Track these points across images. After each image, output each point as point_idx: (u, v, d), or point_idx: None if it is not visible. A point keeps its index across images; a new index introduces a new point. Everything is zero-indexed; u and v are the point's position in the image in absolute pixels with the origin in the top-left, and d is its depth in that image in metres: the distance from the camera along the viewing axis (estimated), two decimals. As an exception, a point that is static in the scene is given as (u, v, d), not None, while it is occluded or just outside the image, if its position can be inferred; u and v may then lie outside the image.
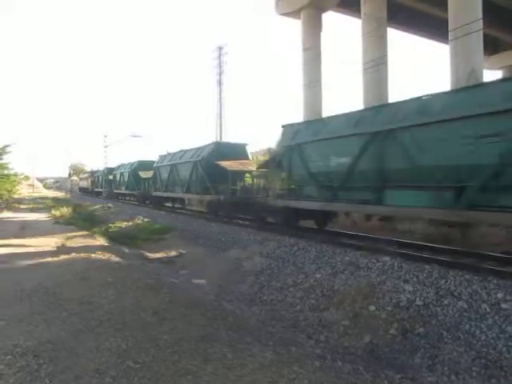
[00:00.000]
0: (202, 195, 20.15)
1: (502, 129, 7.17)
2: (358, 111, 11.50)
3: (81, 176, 70.51)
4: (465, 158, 7.84)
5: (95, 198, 45.58)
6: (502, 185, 7.31)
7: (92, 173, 58.69)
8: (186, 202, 25.11)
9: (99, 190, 49.60)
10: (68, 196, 56.06)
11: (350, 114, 11.27)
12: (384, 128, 9.52)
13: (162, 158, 26.93)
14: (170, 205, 26.70)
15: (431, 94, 9.16)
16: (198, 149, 21.44)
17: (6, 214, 24.56)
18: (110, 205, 30.69)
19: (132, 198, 35.67)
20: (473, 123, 7.68)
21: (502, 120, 7.16)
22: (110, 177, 42.96)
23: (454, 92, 9.66)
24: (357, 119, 10.68)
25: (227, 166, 18.07)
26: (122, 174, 38.02)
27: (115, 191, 40.53)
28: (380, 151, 9.69)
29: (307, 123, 14.25)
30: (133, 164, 34.65)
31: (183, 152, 23.43)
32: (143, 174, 30.65)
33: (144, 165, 31.95)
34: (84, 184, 61.54)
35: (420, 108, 8.92)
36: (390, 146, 9.43)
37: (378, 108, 10.81)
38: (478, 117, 7.55)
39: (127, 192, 36.31)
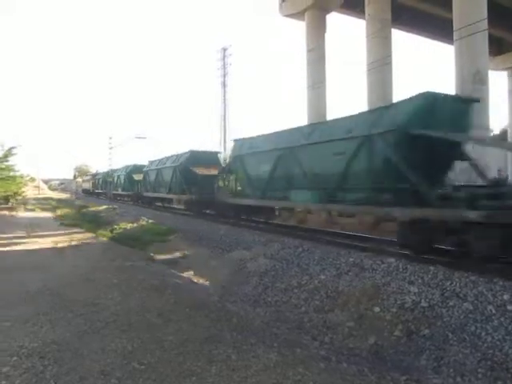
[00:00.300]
0: (180, 195, 23.28)
1: (343, 150, 10.55)
2: (280, 131, 14.40)
3: (83, 178, 73.26)
4: (327, 168, 11.30)
5: (97, 199, 46.86)
6: (345, 187, 10.87)
7: (93, 175, 61.75)
8: (174, 201, 26.58)
9: (100, 191, 51.78)
10: (73, 197, 56.86)
11: (274, 134, 14.69)
12: (288, 145, 12.97)
13: (151, 163, 29.98)
14: (160, 204, 29.24)
15: (314, 123, 13.90)
16: (178, 156, 24.22)
17: (12, 214, 24.67)
18: (114, 206, 30.96)
19: (127, 198, 37.95)
20: (330, 145, 11.11)
21: (343, 144, 10.59)
22: (109, 179, 44.81)
23: (325, 122, 14.53)
24: (276, 137, 14.15)
25: (198, 171, 21.45)
26: (119, 176, 40.93)
27: (113, 192, 42.26)
28: (287, 162, 13.08)
29: (249, 139, 16.53)
30: (128, 167, 37.75)
31: (166, 158, 26.30)
32: (136, 177, 34.00)
33: (138, 168, 34.65)
34: (86, 186, 63.92)
35: (309, 132, 12.46)
36: (292, 159, 12.75)
37: (290, 130, 13.83)
38: (332, 141, 11.09)
39: (124, 193, 38.72)
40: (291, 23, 30.58)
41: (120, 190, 40.11)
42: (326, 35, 27.11)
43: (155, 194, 28.32)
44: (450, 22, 18.50)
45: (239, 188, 17.18)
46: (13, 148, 29.72)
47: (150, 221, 19.44)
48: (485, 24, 16.46)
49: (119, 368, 4.29)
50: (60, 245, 12.68)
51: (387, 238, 10.60)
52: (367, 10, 22.62)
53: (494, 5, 20.37)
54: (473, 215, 7.11)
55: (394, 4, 23.28)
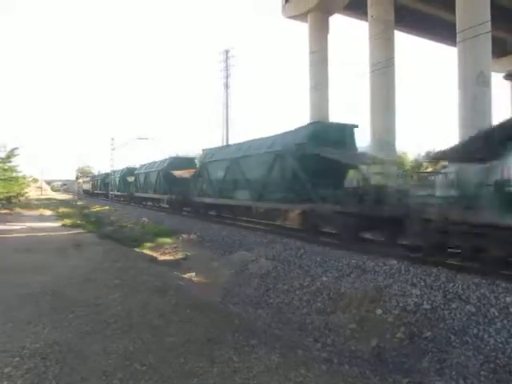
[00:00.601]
0: (163, 195, 26.88)
1: (265, 160, 14.42)
2: (230, 145, 20.74)
3: (84, 180, 75.81)
4: (256, 174, 15.08)
5: (97, 200, 48.98)
6: (267, 190, 14.57)
7: (93, 177, 66.37)
8: (165, 201, 27.85)
9: (98, 191, 54.79)
10: (75, 198, 58.23)
11: (226, 146, 21.13)
12: (235, 156, 16.88)
13: (141, 166, 34.50)
14: (150, 203, 32.29)
15: (251, 140, 17.27)
16: (162, 161, 28.40)
17: (13, 218, 24.72)
18: (115, 207, 31.27)
19: (122, 199, 40.65)
20: (258, 157, 15.04)
21: (265, 156, 14.59)
22: (107, 180, 47.82)
23: (256, 140, 16.63)
24: (228, 149, 19.18)
25: (176, 174, 24.76)
26: (114, 178, 44.02)
27: (110, 193, 44.44)
28: (233, 169, 16.80)
29: (214, 149, 21.28)
30: (123, 170, 40.69)
31: (154, 163, 30.46)
32: (129, 179, 37.17)
33: (130, 171, 38.03)
34: (87, 187, 66.57)
35: (247, 146, 16.56)
36: (237, 167, 16.51)
37: (236, 144, 19.16)
38: (259, 154, 15.05)
39: (119, 193, 41.74)
40: (294, 24, 30.51)
41: (116, 190, 43.10)
42: (329, 37, 27.14)
43: (145, 194, 31.96)
44: (453, 24, 18.49)
45: (204, 189, 20.39)
46: (15, 149, 29.79)
47: (151, 222, 19.47)
48: (488, 26, 16.44)
49: (121, 369, 4.29)
50: (61, 246, 12.69)
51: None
52: (370, 11, 22.62)
53: (497, 7, 20.36)
54: (336, 208, 10.88)
55: (397, 6, 23.28)
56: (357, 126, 14.12)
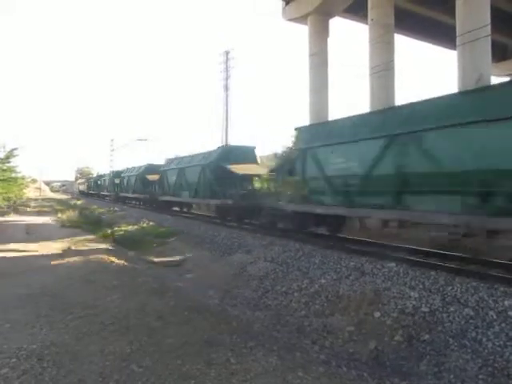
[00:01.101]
0: (140, 195, 31.95)
1: (196, 170, 21.13)
2: (181, 157, 25.49)
3: (79, 181, 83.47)
4: (192, 180, 21.20)
5: (92, 200, 52.78)
6: (198, 190, 20.32)
7: (87, 178, 74.14)
8: (141, 199, 32.44)
9: (92, 192, 60.57)
10: (70, 198, 60.85)
11: (179, 158, 25.58)
12: (180, 166, 23.71)
13: (126, 170, 38.12)
14: (134, 202, 35.93)
15: (189, 155, 23.42)
16: (140, 166, 32.96)
17: (13, 217, 24.69)
18: (115, 208, 31.41)
19: (108, 198, 45.20)
20: (193, 168, 21.60)
21: (195, 168, 21.15)
22: (99, 182, 54.50)
23: (194, 155, 22.88)
24: (179, 160, 25.38)
25: (149, 178, 28.43)
26: (105, 180, 49.58)
27: (101, 193, 51.33)
28: (180, 175, 23.39)
29: (171, 159, 25.04)
30: (111, 173, 43.59)
31: (133, 168, 34.14)
32: (116, 180, 41.05)
33: (118, 173, 41.22)
34: (82, 188, 73.40)
35: (189, 159, 23.35)
36: (182, 175, 23.18)
37: (184, 157, 24.85)
38: (192, 166, 21.76)
39: (107, 193, 45.84)
40: (295, 26, 30.51)
41: (105, 191, 49.21)
42: (329, 39, 27.12)
43: (127, 194, 35.95)
44: (453, 27, 18.51)
45: (164, 190, 25.72)
46: (14, 149, 29.76)
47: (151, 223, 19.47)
48: (488, 30, 16.45)
49: (118, 370, 4.27)
50: (60, 246, 12.68)
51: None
52: (370, 14, 22.61)
53: (497, 11, 20.39)
54: (229, 202, 16.83)
55: (397, 9, 23.28)
56: (255, 147, 20.75)
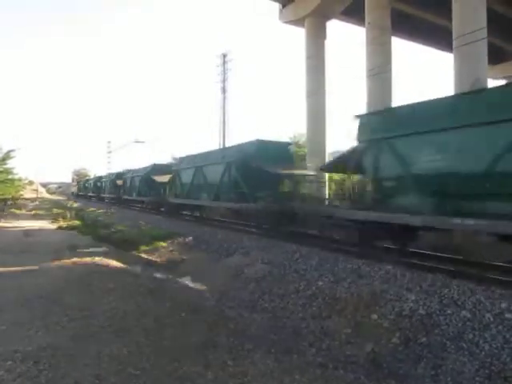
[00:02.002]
0: (144, 197, 29.80)
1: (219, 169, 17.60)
2: (197, 154, 21.49)
3: (73, 184, 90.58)
4: (214, 180, 18.01)
5: (83, 201, 54.76)
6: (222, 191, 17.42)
7: (78, 182, 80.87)
8: (146, 202, 30.28)
9: (81, 193, 66.99)
10: (63, 199, 63.08)
11: (195, 155, 21.88)
12: (198, 164, 20.25)
13: (128, 171, 36.89)
14: (141, 206, 34.57)
15: (209, 151, 20.03)
16: (145, 167, 31.55)
17: (8, 221, 24.60)
18: (112, 210, 31.33)
19: (94, 198, 49.35)
20: (215, 166, 18.24)
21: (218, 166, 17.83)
22: (86, 185, 61.16)
23: (214, 151, 19.82)
24: (195, 158, 21.51)
25: (156, 179, 26.35)
26: (105, 181, 50.77)
27: (88, 194, 57.06)
28: (197, 175, 20.27)
29: (185, 157, 22.84)
30: (113, 174, 43.79)
31: (140, 168, 32.82)
32: (118, 182, 39.58)
33: (99, 178, 44.47)
34: (74, 190, 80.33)
35: (206, 156, 20.01)
36: (200, 173, 20.03)
37: (202, 154, 20.92)
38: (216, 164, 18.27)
39: (108, 196, 45.92)
40: (292, 28, 30.57)
41: (90, 192, 54.62)
42: (326, 42, 27.19)
43: (186, 201, 22.69)
44: (450, 30, 18.58)
45: (177, 191, 23.16)
46: (11, 151, 29.71)
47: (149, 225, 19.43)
48: (484, 33, 16.52)
49: (114, 373, 4.25)
50: (56, 248, 12.62)
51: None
52: (367, 17, 22.69)
53: (494, 14, 20.49)
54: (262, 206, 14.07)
55: (394, 12, 23.37)
56: (291, 144, 18.35)
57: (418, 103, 9.31)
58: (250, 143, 16.92)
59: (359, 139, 10.88)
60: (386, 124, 10.07)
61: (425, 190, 8.67)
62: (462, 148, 7.95)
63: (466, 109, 8.12)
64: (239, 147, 17.58)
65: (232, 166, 16.64)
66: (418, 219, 8.48)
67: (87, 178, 78.99)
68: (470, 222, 7.39)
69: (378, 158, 9.98)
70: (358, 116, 11.19)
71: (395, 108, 11.96)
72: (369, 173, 10.44)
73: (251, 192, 15.32)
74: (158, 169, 29.51)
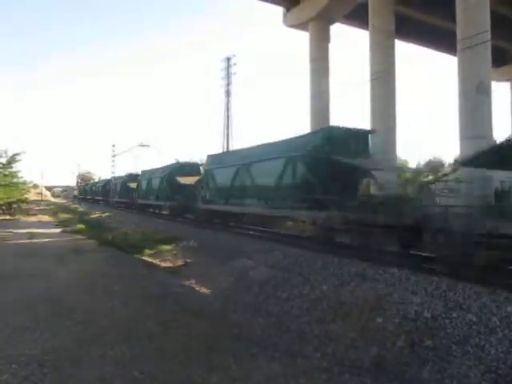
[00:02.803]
0: (166, 201, 25.81)
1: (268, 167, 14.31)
2: (240, 149, 19.79)
3: (74, 188, 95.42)
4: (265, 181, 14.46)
5: (89, 205, 55.81)
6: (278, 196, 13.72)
7: (78, 186, 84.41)
8: (167, 207, 28.04)
9: (81, 196, 71.59)
10: (69, 202, 63.79)
11: (235, 152, 21.40)
12: (243, 162, 15.99)
13: (144, 172, 33.59)
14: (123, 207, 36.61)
15: (261, 144, 16.29)
16: (165, 166, 27.95)
17: (13, 225, 24.68)
18: (115, 213, 31.29)
19: (101, 203, 51.45)
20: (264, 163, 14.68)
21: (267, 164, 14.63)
22: (94, 188, 61.83)
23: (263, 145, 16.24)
24: (237, 154, 18.71)
25: (180, 181, 23.95)
26: (98, 186, 55.77)
27: (87, 197, 63.32)
28: (242, 175, 16.05)
29: (220, 154, 22.03)
30: (126, 176, 41.74)
31: (156, 169, 29.67)
32: (131, 185, 36.86)
33: (133, 176, 38.66)
34: (75, 193, 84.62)
35: (258, 151, 15.79)
36: (246, 173, 15.72)
37: (247, 149, 17.72)
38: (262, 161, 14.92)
39: (119, 200, 44.11)
40: (295, 32, 30.61)
41: (99, 196, 55.42)
42: (330, 45, 27.27)
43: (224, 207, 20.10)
44: (454, 33, 18.59)
45: (210, 195, 19.32)
46: (17, 154, 29.84)
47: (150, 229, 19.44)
48: (488, 35, 16.53)
49: (119, 376, 4.25)
50: (61, 252, 12.66)
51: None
52: (371, 21, 22.73)
53: (498, 16, 20.48)
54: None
55: (398, 15, 23.41)
56: (373, 132, 13.81)
57: (223, 153, 23.00)
58: (319, 131, 14.01)
59: (206, 168, 20.16)
60: (212, 161, 19.60)
61: (221, 193, 17.76)
62: (232, 175, 16.50)
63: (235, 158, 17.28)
64: (306, 137, 13.93)
65: (296, 162, 12.80)
66: (216, 207, 18.35)
67: (92, 181, 79.69)
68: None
69: (209, 178, 19.09)
70: (208, 155, 20.40)
71: (216, 154, 21.39)
72: (210, 185, 19.07)
73: (328, 195, 11.52)
74: (182, 168, 25.53)
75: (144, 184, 31.34)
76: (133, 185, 35.36)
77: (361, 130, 13.62)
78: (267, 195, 14.31)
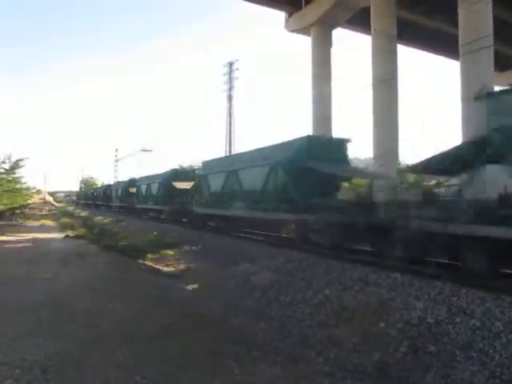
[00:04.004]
0: (163, 206, 26.47)
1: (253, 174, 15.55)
2: (230, 156, 22.30)
3: (74, 193, 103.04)
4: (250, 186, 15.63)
5: (86, 209, 58.89)
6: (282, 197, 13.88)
7: (77, 192, 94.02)
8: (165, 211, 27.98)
9: (78, 201, 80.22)
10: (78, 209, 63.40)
11: (226, 158, 21.10)
12: (232, 168, 17.31)
13: (143, 178, 34.14)
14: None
15: (248, 151, 17.52)
16: (163, 173, 28.86)
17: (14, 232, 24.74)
18: (116, 218, 31.35)
19: (102, 207, 51.91)
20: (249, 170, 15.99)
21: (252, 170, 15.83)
22: (95, 193, 63.50)
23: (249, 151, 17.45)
24: (227, 160, 20.01)
25: (176, 186, 24.50)
26: (99, 191, 58.11)
27: (88, 202, 65.82)
28: (231, 180, 17.26)
29: (213, 160, 20.95)
30: (126, 181, 42.10)
31: (157, 174, 30.55)
32: (131, 190, 37.75)
33: (133, 182, 38.89)
34: (75, 198, 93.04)
35: (244, 158, 17.10)
36: (234, 178, 16.95)
37: (236, 155, 20.15)
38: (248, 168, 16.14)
39: (102, 203, 50.05)
40: (298, 36, 30.66)
41: (85, 200, 66.19)
42: (332, 50, 27.30)
43: (215, 211, 20.57)
44: (456, 37, 18.59)
45: (203, 200, 20.26)
46: (20, 160, 29.93)
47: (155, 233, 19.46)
48: (490, 40, 16.52)
49: (121, 381, 4.25)
50: (64, 256, 12.68)
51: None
52: (373, 25, 22.75)
53: (500, 22, 20.49)
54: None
55: (400, 20, 23.42)
56: (349, 141, 14.72)
57: (216, 159, 20.78)
58: (298, 139, 14.21)
59: (200, 173, 21.63)
60: (205, 167, 20.85)
61: (213, 198, 18.70)
62: (223, 180, 17.74)
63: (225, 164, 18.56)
64: (287, 145, 14.55)
65: (278, 169, 13.75)
66: (208, 210, 19.13)
67: (95, 186, 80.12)
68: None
69: (203, 183, 20.20)
70: (202, 161, 21.70)
71: (209, 160, 21.14)
72: (203, 190, 20.19)
73: (304, 199, 12.45)
74: (178, 174, 26.67)
75: (143, 189, 32.43)
76: (133, 190, 36.23)
77: (338, 138, 15.13)
78: (252, 199, 15.31)
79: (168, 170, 28.58)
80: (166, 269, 12.03)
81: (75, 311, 6.67)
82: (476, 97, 12.52)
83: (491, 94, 11.22)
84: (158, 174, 30.07)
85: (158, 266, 12.30)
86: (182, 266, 12.15)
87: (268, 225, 15.66)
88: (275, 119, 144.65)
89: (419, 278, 7.70)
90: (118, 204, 42.92)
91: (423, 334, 5.71)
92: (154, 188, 29.36)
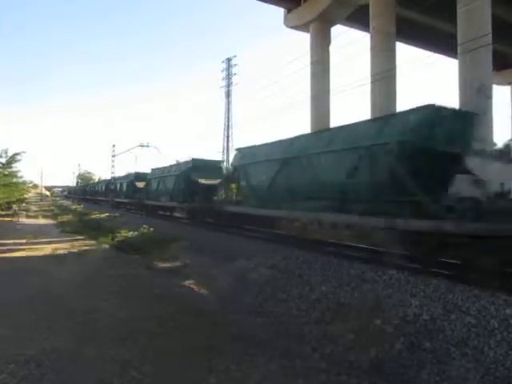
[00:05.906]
0: (182, 203, 22.89)
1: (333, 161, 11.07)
2: (283, 140, 14.02)
3: (67, 189, 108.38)
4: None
5: (83, 204, 58.27)
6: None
7: (69, 187, 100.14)
8: (184, 210, 24.97)
9: (69, 195, 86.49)
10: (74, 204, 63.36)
11: (275, 143, 14.45)
12: (292, 154, 12.81)
13: (153, 172, 30.01)
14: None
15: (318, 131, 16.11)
16: (179, 164, 24.87)
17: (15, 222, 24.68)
18: (115, 214, 31.17)
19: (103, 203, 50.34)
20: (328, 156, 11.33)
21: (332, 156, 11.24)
22: (97, 188, 61.58)
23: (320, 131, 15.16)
24: (279, 145, 14.02)
25: (199, 180, 21.56)
26: (101, 186, 55.55)
27: (86, 197, 65.21)
28: (291, 171, 12.86)
29: (255, 147, 16.10)
30: (133, 175, 38.98)
31: (170, 167, 26.82)
32: (139, 185, 34.47)
33: (141, 176, 35.53)
34: (65, 193, 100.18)
35: (312, 140, 12.82)
36: (297, 168, 12.51)
37: (295, 138, 13.39)
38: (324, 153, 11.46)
39: (124, 201, 43.42)
40: (296, 33, 30.66)
41: (102, 196, 55.17)
42: (331, 47, 27.32)
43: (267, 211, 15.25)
44: (455, 35, 18.60)
45: (243, 196, 17.29)
46: (17, 154, 29.83)
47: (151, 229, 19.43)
48: (489, 38, 16.54)
49: (118, 377, 4.25)
50: (61, 251, 12.66)
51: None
52: (372, 22, 22.76)
53: (499, 21, 20.50)
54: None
55: (399, 17, 23.43)
56: (478, 114, 10.80)
57: (258, 145, 15.68)
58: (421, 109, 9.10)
59: (235, 164, 17.38)
60: (243, 156, 16.28)
61: (256, 193, 14.94)
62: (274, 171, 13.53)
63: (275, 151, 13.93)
64: (397, 118, 10.08)
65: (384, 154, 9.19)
66: (251, 210, 15.01)
67: (92, 181, 79.80)
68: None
69: (241, 176, 16.42)
70: (237, 149, 17.71)
71: (249, 146, 16.53)
72: (242, 184, 16.75)
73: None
74: (199, 166, 22.14)
75: (154, 183, 28.05)
76: (140, 184, 32.78)
77: (465, 111, 11.11)
78: (337, 197, 10.75)
79: (186, 160, 23.86)
80: (163, 265, 12.02)
81: (72, 308, 6.67)
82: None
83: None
84: (173, 165, 25.57)
85: (154, 262, 12.30)
86: (178, 262, 12.14)
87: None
88: (274, 117, 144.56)
89: (415, 275, 7.72)
90: (122, 200, 39.27)
91: (419, 331, 5.74)
92: (169, 182, 24.55)
